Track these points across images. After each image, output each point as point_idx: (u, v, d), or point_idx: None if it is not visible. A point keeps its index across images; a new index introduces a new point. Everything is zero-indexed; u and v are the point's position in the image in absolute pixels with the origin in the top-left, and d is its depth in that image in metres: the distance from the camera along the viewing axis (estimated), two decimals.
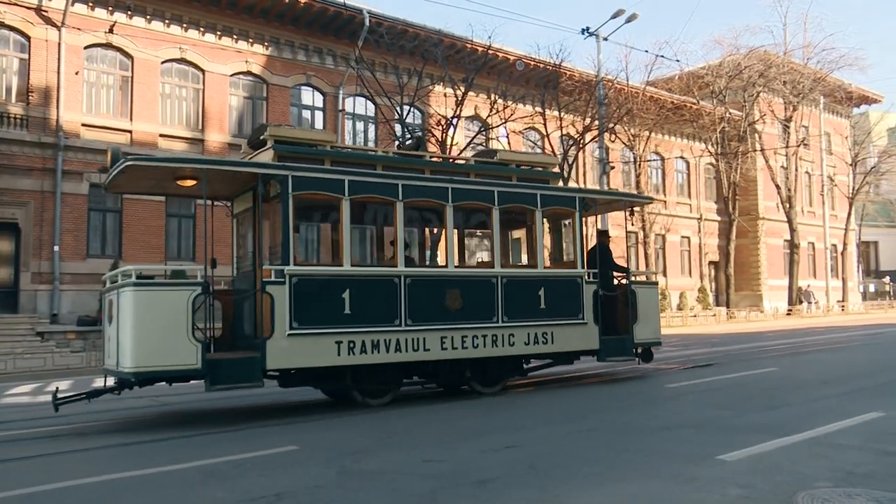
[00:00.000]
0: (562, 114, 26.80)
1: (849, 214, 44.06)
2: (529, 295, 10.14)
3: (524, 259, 12.03)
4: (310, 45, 25.70)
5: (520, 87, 27.45)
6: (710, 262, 39.29)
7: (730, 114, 36.51)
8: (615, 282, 11.59)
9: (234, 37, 24.06)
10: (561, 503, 4.42)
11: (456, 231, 10.14)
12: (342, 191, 8.81)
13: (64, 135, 20.53)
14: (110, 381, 8.43)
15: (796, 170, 39.60)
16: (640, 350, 11.43)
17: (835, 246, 44.15)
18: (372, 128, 27.37)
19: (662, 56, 30.76)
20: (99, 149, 21.14)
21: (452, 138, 23.46)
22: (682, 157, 38.95)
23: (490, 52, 25.01)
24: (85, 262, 20.79)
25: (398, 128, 24.37)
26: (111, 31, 21.39)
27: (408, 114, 23.90)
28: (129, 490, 5.17)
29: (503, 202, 10.07)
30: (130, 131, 21.89)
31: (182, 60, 23.08)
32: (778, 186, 38.22)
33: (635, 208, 13.86)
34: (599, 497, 4.56)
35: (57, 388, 8.97)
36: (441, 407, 8.89)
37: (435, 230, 12.34)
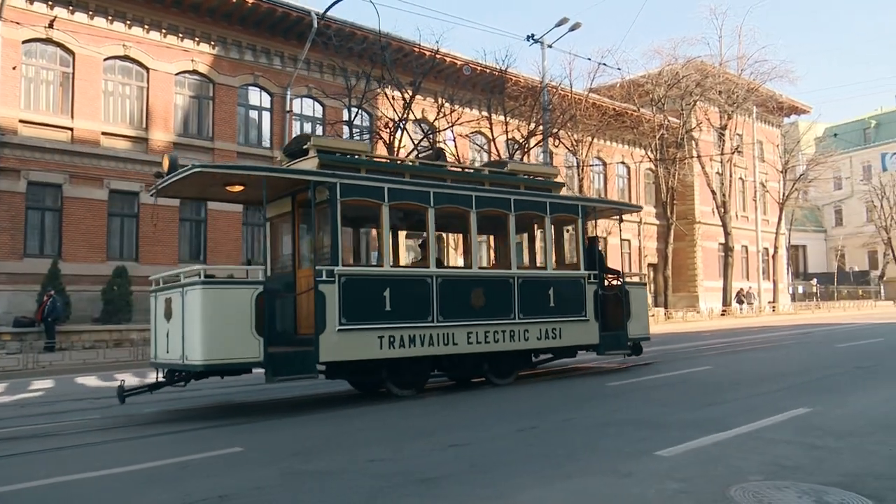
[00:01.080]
0: (507, 118, 27.17)
1: (779, 219, 45.73)
2: (541, 294, 11.16)
3: (525, 260, 12.87)
4: (257, 46, 25.49)
5: (466, 91, 27.75)
6: (650, 265, 40.31)
7: (668, 121, 37.47)
8: (605, 282, 12.56)
9: (180, 35, 23.70)
10: (501, 500, 4.48)
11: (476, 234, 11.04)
12: (382, 197, 9.59)
13: (0, 131, 19.93)
14: (159, 374, 9.10)
15: (731, 176, 40.92)
16: (631, 344, 12.57)
17: (766, 249, 45.75)
18: (319, 129, 27.30)
19: (604, 64, 31.34)
20: (37, 146, 20.62)
21: (400, 141, 23.62)
22: (622, 163, 39.92)
23: (437, 56, 25.20)
24: (22, 261, 20.20)
25: (346, 129, 24.41)
26: (51, 25, 20.83)
27: (356, 116, 23.97)
28: (68, 494, 5.06)
29: (518, 209, 11.09)
30: (71, 129, 21.37)
31: (126, 58, 22.61)
32: (713, 192, 39.42)
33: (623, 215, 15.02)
34: (540, 493, 4.62)
35: (123, 381, 9.29)
36: (387, 407, 8.99)
37: (458, 234, 12.95)
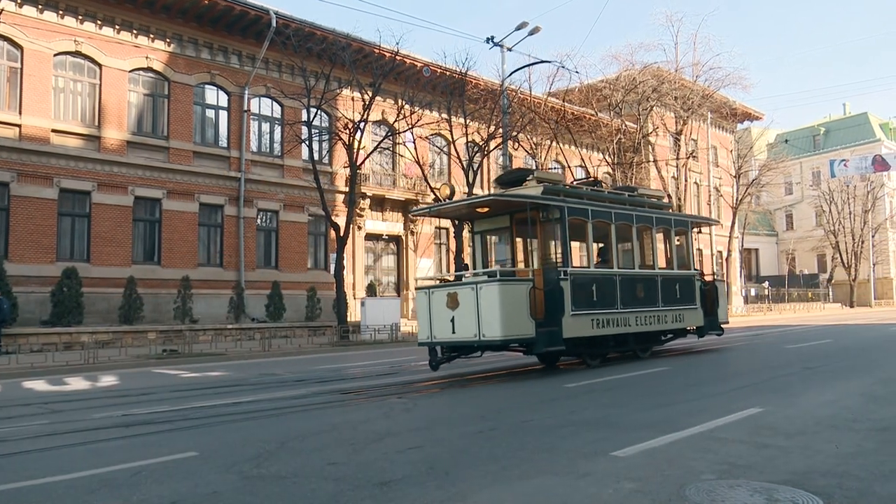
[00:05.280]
0: (467, 121, 27.23)
1: (733, 223, 46.67)
2: (671, 288, 14.42)
3: (634, 262, 15.05)
4: (214, 44, 25.12)
5: (426, 93, 27.74)
6: None
7: (625, 126, 37.91)
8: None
9: (134, 32, 23.24)
10: (460, 501, 4.48)
11: (632, 243, 13.95)
12: (587, 216, 12.67)
13: None
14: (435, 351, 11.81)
15: (686, 180, 41.63)
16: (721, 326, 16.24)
17: (720, 252, 46.65)
18: (278, 129, 27.01)
19: (563, 67, 31.58)
20: None
21: (360, 142, 23.50)
22: (581, 166, 40.16)
23: (398, 57, 25.17)
24: None
25: (304, 130, 24.20)
26: None
27: (315, 116, 23.77)
28: (14, 501, 4.87)
29: (658, 224, 14.60)
30: (19, 125, 20.79)
31: (77, 53, 22.10)
32: (669, 196, 40.03)
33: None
34: (498, 494, 4.63)
35: (436, 352, 11.78)
36: (345, 409, 8.93)
37: (622, 242, 15.23)
